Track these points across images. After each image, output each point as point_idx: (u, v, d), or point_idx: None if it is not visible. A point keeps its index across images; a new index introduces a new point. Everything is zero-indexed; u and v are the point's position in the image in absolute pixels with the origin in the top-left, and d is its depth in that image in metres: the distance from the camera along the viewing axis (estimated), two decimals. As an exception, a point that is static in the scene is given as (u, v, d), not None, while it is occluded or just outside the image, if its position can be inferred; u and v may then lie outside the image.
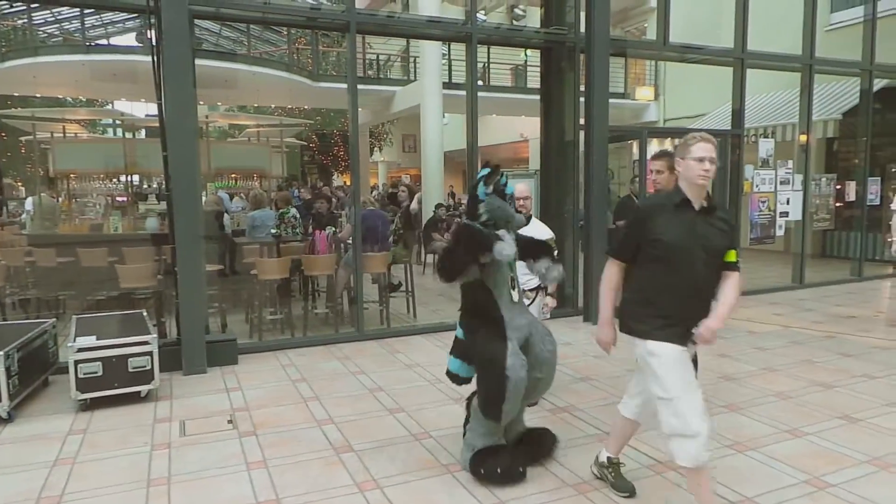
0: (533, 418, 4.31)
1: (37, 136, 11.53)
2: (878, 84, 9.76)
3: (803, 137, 9.14)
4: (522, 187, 4.55)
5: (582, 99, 7.24)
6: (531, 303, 4.50)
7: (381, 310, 7.22)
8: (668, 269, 2.78)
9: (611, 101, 7.29)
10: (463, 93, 7.60)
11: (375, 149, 25.66)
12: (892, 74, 9.89)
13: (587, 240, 7.22)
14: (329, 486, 3.40)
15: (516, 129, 19.80)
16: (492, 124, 19.13)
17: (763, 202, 8.62)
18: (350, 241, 6.89)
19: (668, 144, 10.12)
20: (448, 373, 3.60)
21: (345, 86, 14.69)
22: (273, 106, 19.27)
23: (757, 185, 8.57)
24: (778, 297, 8.46)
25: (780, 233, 8.80)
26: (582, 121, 7.26)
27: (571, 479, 3.45)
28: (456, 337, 3.58)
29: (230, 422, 4.35)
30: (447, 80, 15.21)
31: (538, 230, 4.55)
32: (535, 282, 4.51)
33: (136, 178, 12.59)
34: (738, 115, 8.54)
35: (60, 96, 16.66)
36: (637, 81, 17.36)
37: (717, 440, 3.92)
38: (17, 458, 3.78)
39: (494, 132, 19.83)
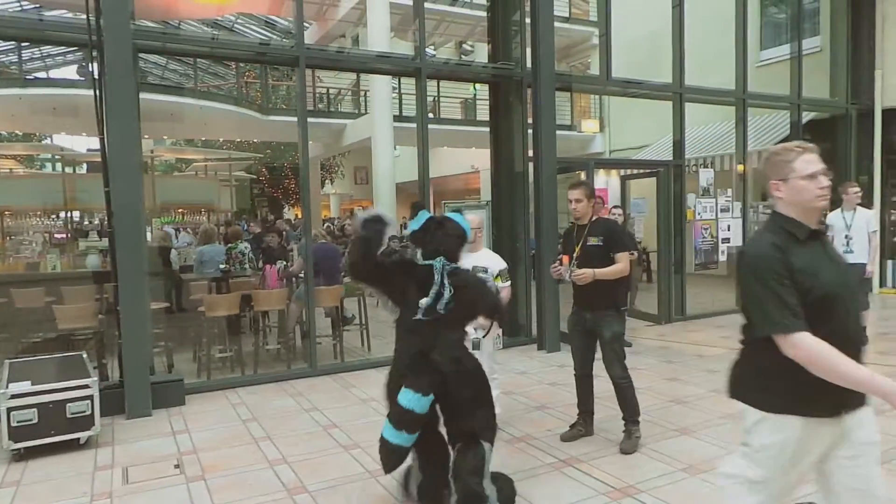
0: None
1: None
2: (806, 116, 10.33)
3: (741, 167, 9.56)
4: (473, 218, 4.60)
5: (530, 131, 7.42)
6: (486, 334, 4.49)
7: (335, 344, 7.10)
8: (825, 321, 1.99)
9: (558, 132, 7.49)
10: (414, 125, 7.69)
11: (327, 181, 25.57)
12: (818, 108, 10.50)
13: (539, 268, 7.31)
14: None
15: (467, 160, 20.09)
16: (443, 156, 19.35)
17: (706, 229, 8.93)
18: (302, 275, 6.79)
19: (613, 175, 10.43)
20: None
21: (295, 119, 14.65)
22: (221, 140, 19.05)
23: (699, 213, 8.89)
24: (723, 320, 8.72)
25: (722, 258, 9.11)
26: (531, 152, 7.42)
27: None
28: None
29: (177, 466, 4.17)
30: (398, 113, 15.39)
31: (490, 260, 4.60)
32: None
33: (76, 214, 12.18)
34: (678, 146, 8.88)
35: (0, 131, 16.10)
36: (583, 114, 17.92)
37: (670, 464, 3.98)
38: (-59, 516, 3.53)
39: (446, 164, 20.05)
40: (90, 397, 4.45)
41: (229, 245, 8.21)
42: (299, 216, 26.00)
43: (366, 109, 16.48)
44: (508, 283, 4.57)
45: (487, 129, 8.19)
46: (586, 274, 4.12)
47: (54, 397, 4.33)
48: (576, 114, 17.74)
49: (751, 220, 9.59)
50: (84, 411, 4.43)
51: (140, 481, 3.95)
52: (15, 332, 7.00)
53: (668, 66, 8.79)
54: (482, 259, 4.59)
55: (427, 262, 3.27)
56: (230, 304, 6.49)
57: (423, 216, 3.36)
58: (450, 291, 3.16)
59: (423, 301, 3.15)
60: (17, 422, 4.22)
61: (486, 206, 7.81)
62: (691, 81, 8.83)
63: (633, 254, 5.76)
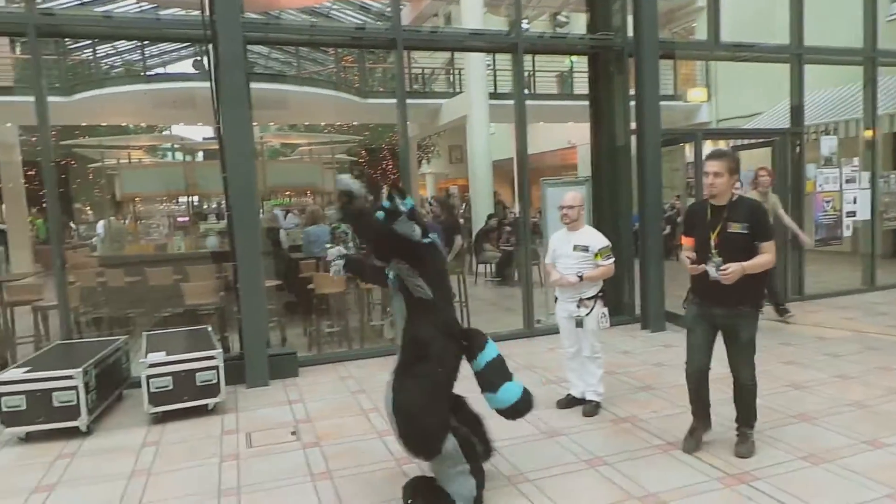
0: (592, 429, 4.26)
1: (104, 164, 12.13)
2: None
3: (868, 133, 8.76)
4: (570, 196, 4.52)
5: (632, 103, 7.15)
6: (589, 312, 4.45)
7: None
8: None
9: (662, 103, 7.17)
10: (509, 102, 7.61)
11: (423, 161, 25.89)
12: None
13: (643, 245, 7.09)
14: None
15: (563, 136, 19.65)
16: (538, 132, 19.04)
17: (828, 202, 8.29)
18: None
19: (721, 146, 9.87)
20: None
21: (392, 101, 14.93)
22: (323, 123, 19.70)
23: (820, 185, 8.26)
24: (847, 300, 8.08)
25: (847, 233, 8.43)
26: (633, 125, 7.16)
27: (638, 491, 3.38)
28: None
29: (294, 433, 4.44)
30: (493, 90, 15.27)
31: (591, 239, 4.50)
32: (593, 289, 4.48)
33: (195, 199, 13.06)
34: (797, 112, 8.25)
35: (124, 124, 17.49)
36: (687, 83, 17.01)
37: (789, 451, 3.78)
38: (96, 470, 3.96)
39: (541, 140, 19.72)
40: (216, 367, 4.82)
41: (333, 225, 8.52)
42: (397, 196, 26.55)
43: (460, 88, 16.49)
44: (610, 260, 4.46)
45: (586, 103, 7.98)
46: (736, 271, 3.43)
47: (186, 367, 4.73)
48: (680, 82, 16.86)
49: (882, 190, 8.79)
50: (211, 380, 4.80)
51: (261, 445, 4.25)
52: (148, 308, 7.66)
53: (784, 26, 8.15)
54: (583, 237, 4.50)
55: (428, 239, 3.24)
56: (337, 281, 6.77)
57: (410, 201, 3.22)
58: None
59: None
60: (155, 388, 4.64)
61: (585, 182, 7.64)
62: (811, 41, 8.15)
63: None
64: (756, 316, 3.68)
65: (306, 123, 17.44)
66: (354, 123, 20.34)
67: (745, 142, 9.30)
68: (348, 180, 3.24)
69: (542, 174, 9.62)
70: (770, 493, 3.27)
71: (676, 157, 14.17)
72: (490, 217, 12.53)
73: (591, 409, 4.54)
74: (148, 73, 14.86)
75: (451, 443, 3.11)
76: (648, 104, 6.90)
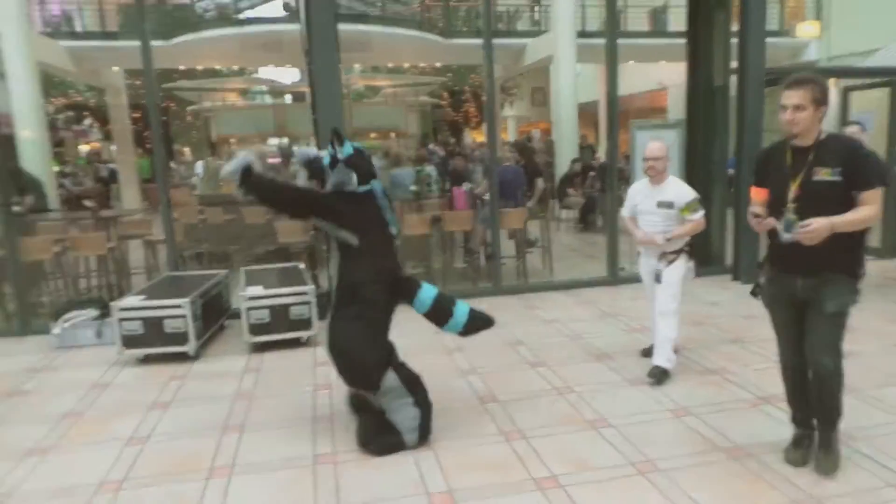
0: (678, 378, 4.18)
1: (201, 106, 12.64)
2: None
3: None
4: (656, 147, 4.10)
5: (734, 40, 6.65)
6: (669, 264, 4.13)
7: (518, 265, 7.25)
8: None
9: (766, 40, 6.63)
10: (596, 41, 7.25)
11: (505, 103, 25.37)
12: None
13: (737, 191, 6.73)
14: (478, 433, 3.53)
15: (653, 77, 18.64)
16: (626, 73, 18.12)
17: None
18: (487, 197, 6.94)
19: (831, 86, 9.07)
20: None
21: (475, 41, 14.62)
22: (406, 65, 19.59)
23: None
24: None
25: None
26: (734, 64, 6.68)
27: (724, 443, 3.32)
28: None
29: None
30: (579, 29, 14.61)
31: (676, 192, 4.10)
32: (678, 243, 4.15)
33: (283, 140, 13.44)
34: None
35: (217, 67, 18.04)
36: (796, 17, 15.61)
37: (893, 412, 3.58)
38: (204, 391, 4.30)
39: (629, 81, 18.80)
40: (308, 303, 5.05)
41: (417, 168, 8.59)
42: (476, 139, 26.30)
43: (546, 27, 15.87)
44: (699, 213, 4.05)
45: (680, 41, 7.50)
46: (819, 229, 2.62)
47: (281, 301, 4.99)
48: (787, 17, 15.50)
49: None
50: (304, 314, 5.05)
51: (352, 378, 4.45)
52: (244, 244, 8.06)
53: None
54: (668, 192, 4.09)
55: (364, 187, 3.32)
56: (422, 223, 6.85)
57: (349, 147, 3.33)
58: (392, 212, 3.41)
59: (394, 227, 3.43)
60: (254, 320, 4.93)
61: (678, 125, 7.26)
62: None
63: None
64: (852, 286, 2.81)
65: (390, 65, 17.39)
66: (437, 65, 20.09)
67: (860, 82, 8.50)
68: (243, 157, 3.28)
69: (628, 117, 9.22)
70: (871, 454, 3.13)
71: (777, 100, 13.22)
72: (574, 161, 12.22)
73: (656, 373, 4.12)
74: (239, 15, 15.15)
75: (391, 377, 3.32)
76: (753, 40, 6.41)
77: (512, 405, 3.88)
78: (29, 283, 6.11)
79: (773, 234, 2.85)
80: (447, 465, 3.17)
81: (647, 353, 4.53)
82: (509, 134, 28.93)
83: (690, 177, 6.10)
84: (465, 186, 7.57)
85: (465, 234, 7.47)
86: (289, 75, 19.79)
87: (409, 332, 5.43)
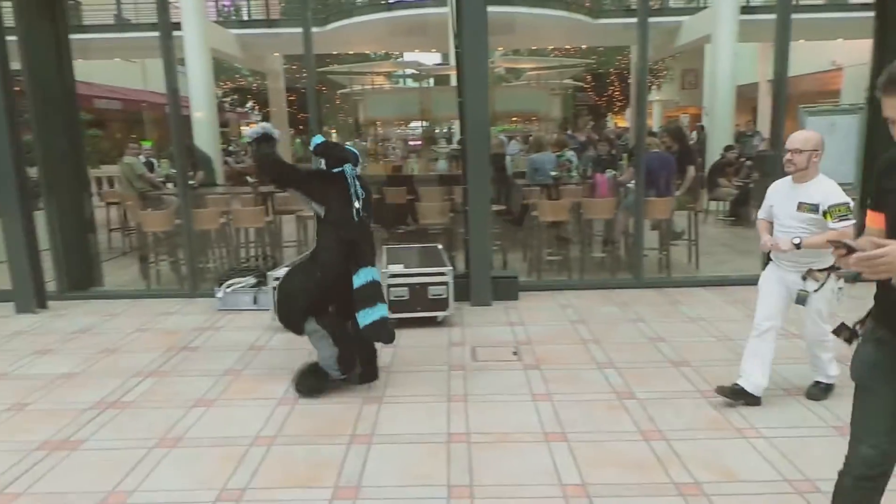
0: (843, 393, 3.77)
1: (352, 89, 13.29)
2: None
3: None
4: (801, 137, 3.40)
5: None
6: (819, 287, 3.38)
7: (661, 258, 6.92)
8: None
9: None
10: (762, 17, 6.63)
11: (652, 87, 24.18)
12: None
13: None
14: (613, 429, 3.43)
15: (826, 56, 16.84)
16: (793, 52, 16.56)
17: None
18: (632, 185, 6.66)
19: None
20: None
21: (625, 21, 14.03)
22: (550, 47, 19.27)
23: None
24: None
25: None
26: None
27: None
28: None
29: (515, 353, 4.62)
30: (743, 4, 13.51)
31: (821, 193, 3.34)
32: (827, 257, 3.24)
33: (425, 123, 13.77)
34: None
35: (367, 52, 18.85)
36: None
37: None
38: (346, 362, 4.53)
39: (795, 61, 17.16)
40: (446, 283, 5.15)
41: (557, 153, 8.44)
42: (620, 125, 25.32)
43: (704, 4, 14.84)
44: (845, 222, 3.25)
45: (865, 14, 6.66)
46: None
47: (420, 280, 5.14)
48: None
49: None
50: (441, 294, 5.16)
51: (485, 360, 4.50)
52: (385, 224, 8.38)
53: None
54: (812, 192, 3.37)
55: (336, 169, 3.91)
56: (561, 210, 6.73)
57: (317, 139, 4.11)
58: (362, 193, 3.91)
59: (357, 204, 3.86)
60: (394, 297, 5.12)
61: (858, 110, 6.49)
62: None
63: None
64: None
65: (533, 48, 17.18)
66: (583, 47, 19.55)
67: None
68: (267, 126, 4.06)
69: (793, 102, 8.40)
70: None
71: None
72: (728, 149, 11.38)
73: (816, 391, 3.73)
74: (388, 1, 15.71)
75: (311, 322, 3.86)
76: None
77: (651, 404, 3.72)
78: (198, 250, 6.79)
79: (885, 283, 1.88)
80: (581, 458, 3.10)
81: (727, 392, 3.65)
82: (654, 119, 27.59)
83: (871, 170, 5.43)
84: (609, 173, 7.31)
85: (605, 223, 7.24)
86: (432, 59, 20.25)
87: (542, 318, 5.44)
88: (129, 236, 8.93)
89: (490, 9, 5.56)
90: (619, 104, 24.24)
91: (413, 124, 14.64)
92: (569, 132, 13.07)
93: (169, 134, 6.99)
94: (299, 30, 5.96)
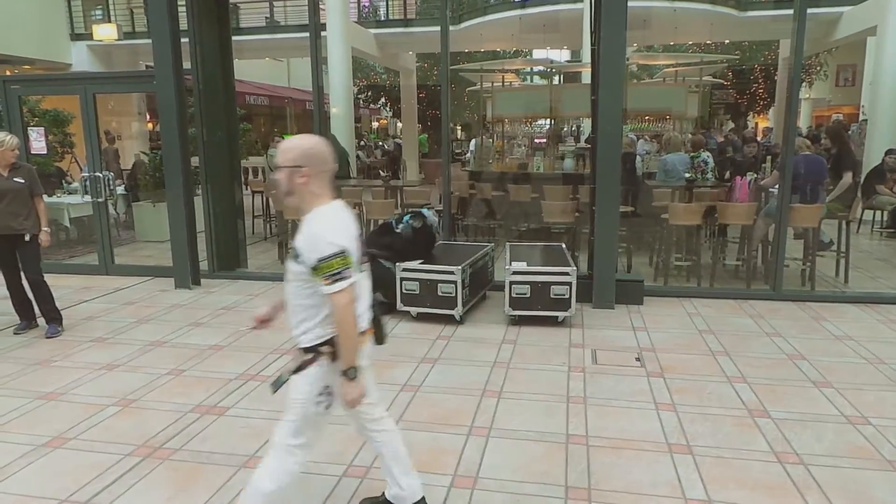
0: None
1: (482, 87, 13.41)
2: None
3: None
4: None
5: None
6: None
7: (804, 269, 6.39)
8: None
9: None
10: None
11: (804, 84, 22.23)
12: None
13: None
14: (743, 446, 3.23)
15: None
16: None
17: None
18: (774, 190, 6.20)
19: None
20: None
21: (776, 13, 13.01)
22: (689, 42, 18.27)
23: None
24: None
25: None
26: None
27: None
28: None
29: (638, 359, 4.48)
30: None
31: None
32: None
33: (552, 121, 13.60)
34: None
35: (497, 49, 18.94)
36: None
37: None
38: (466, 354, 4.63)
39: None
40: (569, 284, 5.09)
41: (692, 154, 8.02)
42: (762, 125, 23.52)
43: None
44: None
45: None
46: None
47: (542, 279, 5.11)
48: None
49: None
50: (563, 294, 5.10)
51: (606, 364, 4.40)
52: (509, 221, 8.41)
53: None
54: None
55: None
56: (694, 213, 6.41)
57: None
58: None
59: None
60: (516, 294, 5.14)
61: None
62: None
63: None
64: None
65: (671, 43, 16.40)
66: (725, 42, 18.37)
67: None
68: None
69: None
70: None
71: None
72: (890, 153, 10.24)
73: None
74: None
75: None
76: None
77: (788, 425, 3.46)
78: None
79: None
80: (707, 474, 2.96)
81: None
82: (802, 119, 25.38)
83: None
84: (750, 176, 6.85)
85: (741, 229, 6.80)
86: (561, 56, 19.95)
87: (668, 325, 5.22)
88: (269, 223, 9.63)
89: (631, 3, 5.39)
90: (762, 102, 22.52)
91: (540, 122, 14.50)
92: (704, 131, 12.35)
93: (308, 128, 7.44)
94: (434, 29, 6.12)
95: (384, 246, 5.44)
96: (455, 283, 5.12)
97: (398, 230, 5.57)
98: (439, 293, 5.18)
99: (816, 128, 17.52)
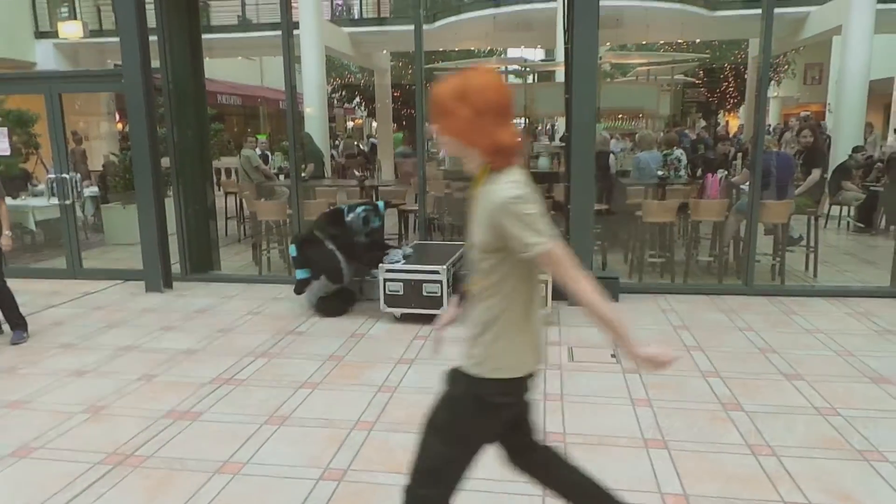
0: None
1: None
2: None
3: None
4: None
5: None
6: None
7: (774, 264, 6.51)
8: None
9: None
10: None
11: (773, 83, 22.68)
12: None
13: None
14: (717, 440, 3.28)
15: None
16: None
17: None
18: (744, 187, 6.31)
19: None
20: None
21: (745, 12, 13.23)
22: (661, 42, 18.52)
23: None
24: None
25: None
26: None
27: None
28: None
29: (614, 356, 4.51)
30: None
31: None
32: None
33: (525, 120, 13.65)
34: None
35: (472, 48, 18.99)
36: None
37: None
38: (448, 354, 4.59)
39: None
40: (545, 282, 5.09)
41: (665, 152, 8.13)
42: (732, 123, 23.93)
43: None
44: None
45: None
46: None
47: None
48: None
49: None
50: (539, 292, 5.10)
51: (582, 361, 4.43)
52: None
53: None
54: None
55: None
56: (668, 210, 6.48)
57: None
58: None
59: None
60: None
61: None
62: None
63: None
64: None
65: (643, 42, 16.59)
66: (696, 41, 18.66)
67: None
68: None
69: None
70: None
71: None
72: (857, 150, 10.51)
73: None
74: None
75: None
76: None
77: (760, 417, 3.52)
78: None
79: None
80: (683, 468, 2.99)
81: None
82: (771, 117, 25.88)
83: None
84: (720, 173, 6.95)
85: (713, 226, 6.90)
86: (535, 55, 20.04)
87: (643, 322, 5.27)
88: (242, 224, 9.51)
89: (603, 3, 5.43)
90: (732, 101, 22.92)
91: (514, 121, 14.50)
92: (678, 129, 12.53)
93: (282, 128, 7.37)
94: (409, 27, 6.10)
95: (331, 235, 5.46)
96: (440, 282, 5.10)
97: (348, 218, 5.55)
98: (424, 293, 5.16)
99: (785, 125, 17.89)
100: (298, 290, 5.69)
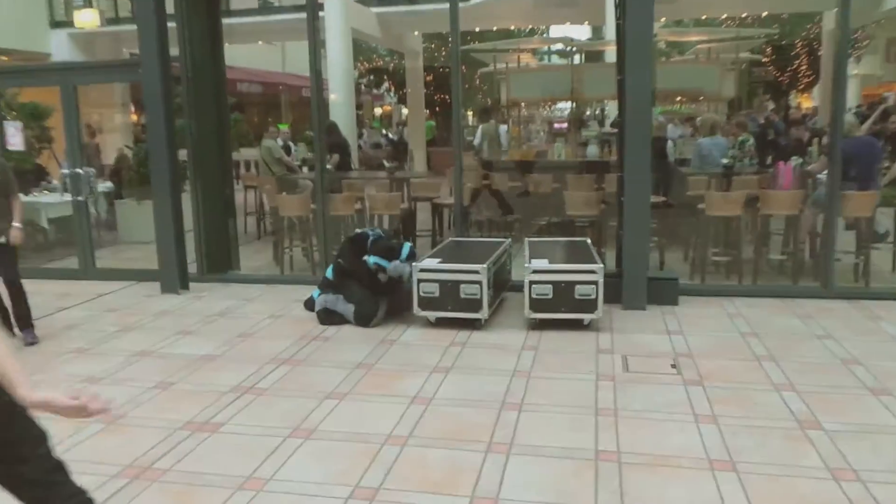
0: None
1: (495, 68, 13.35)
2: None
3: None
4: None
5: None
6: None
7: (858, 263, 6.30)
8: None
9: None
10: None
11: (851, 60, 21.99)
12: None
13: None
14: (793, 462, 3.18)
15: None
16: None
17: None
18: (822, 176, 6.12)
19: None
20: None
21: (821, -19, 12.86)
22: (723, 16, 18.08)
23: None
24: None
25: None
26: None
27: None
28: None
29: (674, 366, 4.42)
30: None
31: None
32: None
33: (571, 104, 13.51)
34: None
35: (511, 27, 18.85)
36: None
37: None
38: (483, 362, 4.60)
39: None
40: (595, 283, 5.03)
41: (741, 138, 7.97)
42: (805, 104, 23.29)
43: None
44: None
45: None
46: None
47: (566, 277, 5.06)
48: None
49: None
50: (589, 295, 5.05)
51: (639, 372, 4.36)
52: (528, 214, 8.35)
53: None
54: None
55: None
56: (733, 203, 6.33)
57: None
58: None
59: None
60: (536, 294, 5.09)
61: None
62: None
63: None
64: None
65: (703, 17, 16.24)
66: (763, 15, 18.17)
67: None
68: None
69: None
70: None
71: None
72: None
73: None
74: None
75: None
76: None
77: (843, 437, 3.40)
78: (332, 237, 7.17)
79: None
80: (754, 493, 2.91)
81: None
82: (851, 98, 25.10)
83: None
84: (795, 161, 6.76)
85: (786, 220, 6.73)
86: (583, 32, 19.82)
87: (706, 328, 5.16)
88: (263, 221, 9.62)
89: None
90: (805, 80, 22.31)
91: (560, 105, 14.40)
92: (745, 113, 12.20)
93: (305, 117, 7.44)
94: (443, 6, 6.09)
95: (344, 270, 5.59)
96: (480, 283, 5.06)
97: (370, 264, 5.44)
98: (462, 295, 5.12)
99: (868, 107, 17.30)
100: (311, 308, 5.70)
